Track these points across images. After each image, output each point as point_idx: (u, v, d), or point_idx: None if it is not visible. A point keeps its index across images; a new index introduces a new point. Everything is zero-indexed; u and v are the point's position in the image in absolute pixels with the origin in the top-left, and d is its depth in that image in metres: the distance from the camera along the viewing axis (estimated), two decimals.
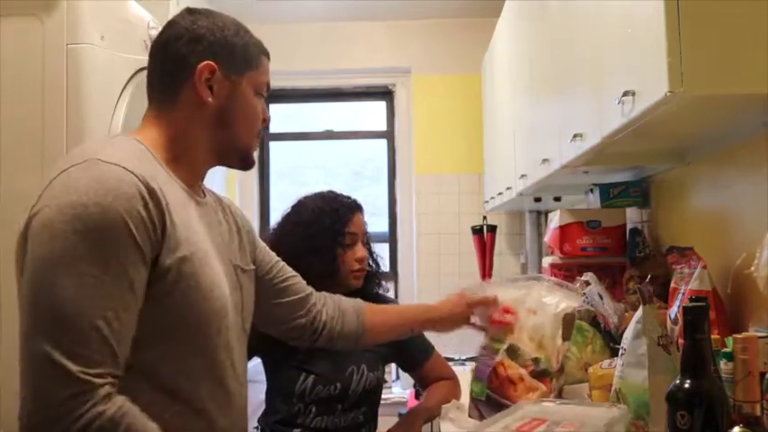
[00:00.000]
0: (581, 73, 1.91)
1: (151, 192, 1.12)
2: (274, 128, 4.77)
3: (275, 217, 4.60)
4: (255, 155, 1.40)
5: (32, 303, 1.05)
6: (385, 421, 2.23)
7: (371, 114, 4.82)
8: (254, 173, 4.61)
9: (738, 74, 1.28)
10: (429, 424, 2.48)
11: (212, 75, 1.27)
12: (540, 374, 1.66)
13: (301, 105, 4.84)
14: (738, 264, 1.72)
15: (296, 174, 4.83)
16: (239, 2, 4.08)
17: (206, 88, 1.26)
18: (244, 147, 1.33)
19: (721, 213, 1.93)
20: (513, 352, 1.67)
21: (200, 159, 1.31)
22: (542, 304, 1.72)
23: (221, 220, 1.39)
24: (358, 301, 1.72)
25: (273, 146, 4.77)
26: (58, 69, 2.14)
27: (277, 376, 2.04)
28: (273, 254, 1.59)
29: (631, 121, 1.48)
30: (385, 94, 4.72)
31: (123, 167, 1.11)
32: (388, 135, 4.73)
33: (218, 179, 4.22)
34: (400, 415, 2.38)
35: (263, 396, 2.15)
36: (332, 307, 1.66)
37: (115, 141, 1.23)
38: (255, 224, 4.65)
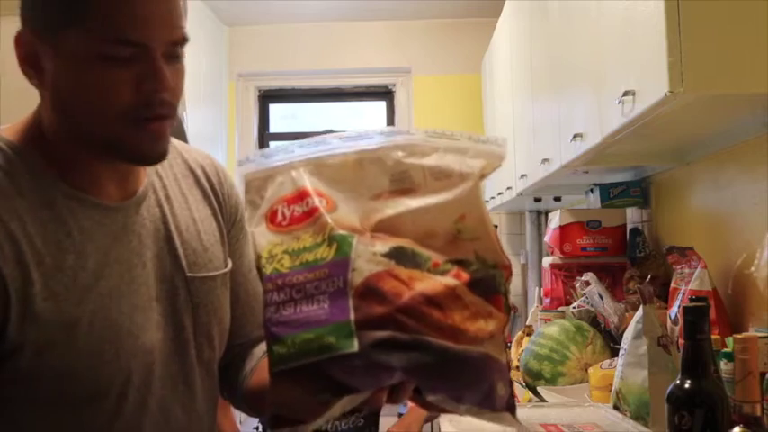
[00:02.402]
0: (581, 73, 1.91)
1: None
2: (274, 128, 4.77)
3: None
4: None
5: None
6: (385, 421, 2.23)
7: (371, 114, 4.82)
8: None
9: (738, 74, 1.28)
10: (429, 424, 2.48)
11: (29, 46, 0.91)
12: (484, 286, 0.78)
13: (301, 105, 4.84)
14: (738, 264, 1.72)
15: None
16: (239, 2, 4.08)
17: (28, 68, 0.92)
18: (101, 138, 0.91)
19: (721, 213, 1.93)
20: (405, 257, 0.78)
21: (84, 158, 0.94)
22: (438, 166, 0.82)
23: (166, 212, 1.02)
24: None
25: (273, 146, 4.76)
26: None
27: None
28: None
29: (631, 121, 1.48)
30: (385, 94, 4.72)
31: None
32: None
33: None
34: (400, 415, 2.38)
35: None
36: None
37: None
38: None
